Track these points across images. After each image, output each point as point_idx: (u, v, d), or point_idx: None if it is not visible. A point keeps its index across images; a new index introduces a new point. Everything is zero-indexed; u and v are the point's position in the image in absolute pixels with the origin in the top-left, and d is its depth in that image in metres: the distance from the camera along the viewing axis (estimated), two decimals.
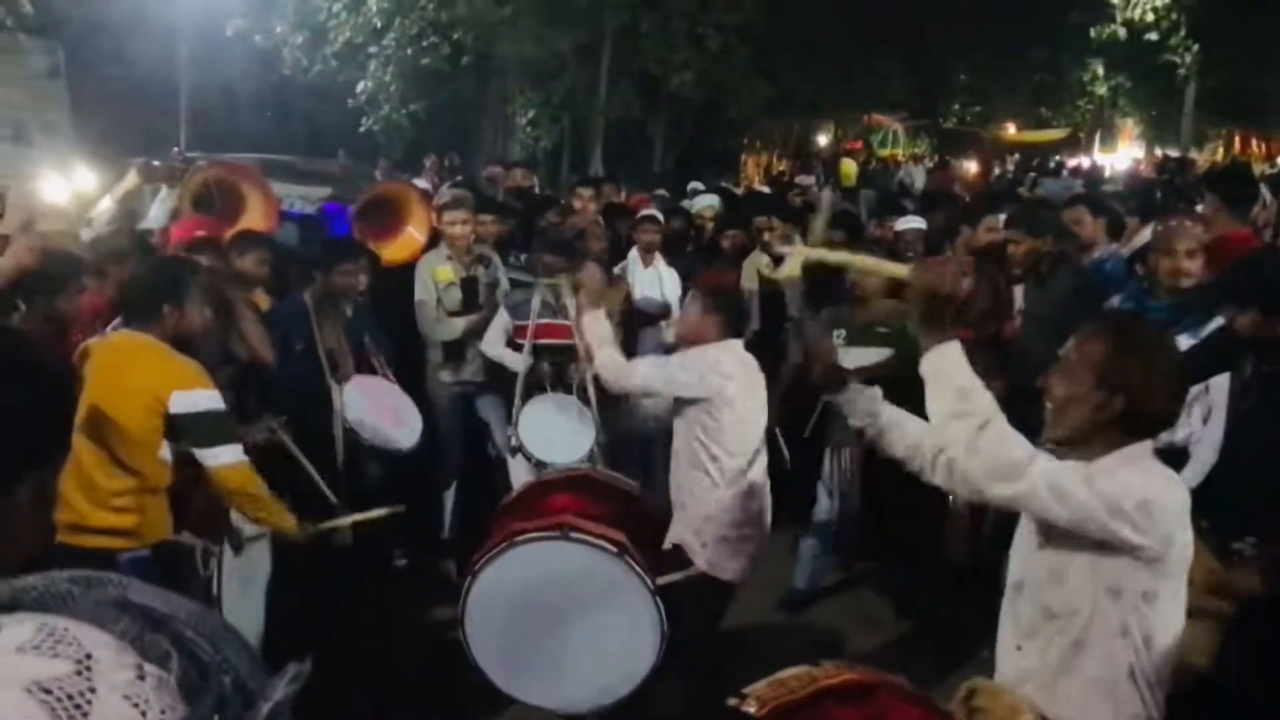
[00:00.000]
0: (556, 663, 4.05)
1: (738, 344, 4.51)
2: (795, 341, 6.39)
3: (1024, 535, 2.70)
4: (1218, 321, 4.32)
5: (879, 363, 5.36)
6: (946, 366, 2.51)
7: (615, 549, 3.99)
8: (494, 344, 5.96)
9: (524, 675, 4.08)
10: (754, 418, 4.45)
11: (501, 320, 5.96)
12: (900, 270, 2.78)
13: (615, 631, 4.02)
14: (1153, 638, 2.46)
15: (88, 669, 0.67)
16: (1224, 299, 4.20)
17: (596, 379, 5.65)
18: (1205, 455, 4.20)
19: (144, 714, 0.67)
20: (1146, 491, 2.38)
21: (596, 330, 4.55)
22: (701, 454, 4.34)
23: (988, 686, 2.63)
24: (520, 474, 5.52)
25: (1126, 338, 2.54)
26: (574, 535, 4.01)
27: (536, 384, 5.76)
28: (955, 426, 2.48)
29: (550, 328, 5.80)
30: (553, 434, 5.51)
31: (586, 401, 5.63)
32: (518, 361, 5.74)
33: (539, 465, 5.42)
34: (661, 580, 4.14)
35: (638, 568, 4.00)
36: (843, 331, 5.66)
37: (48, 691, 0.65)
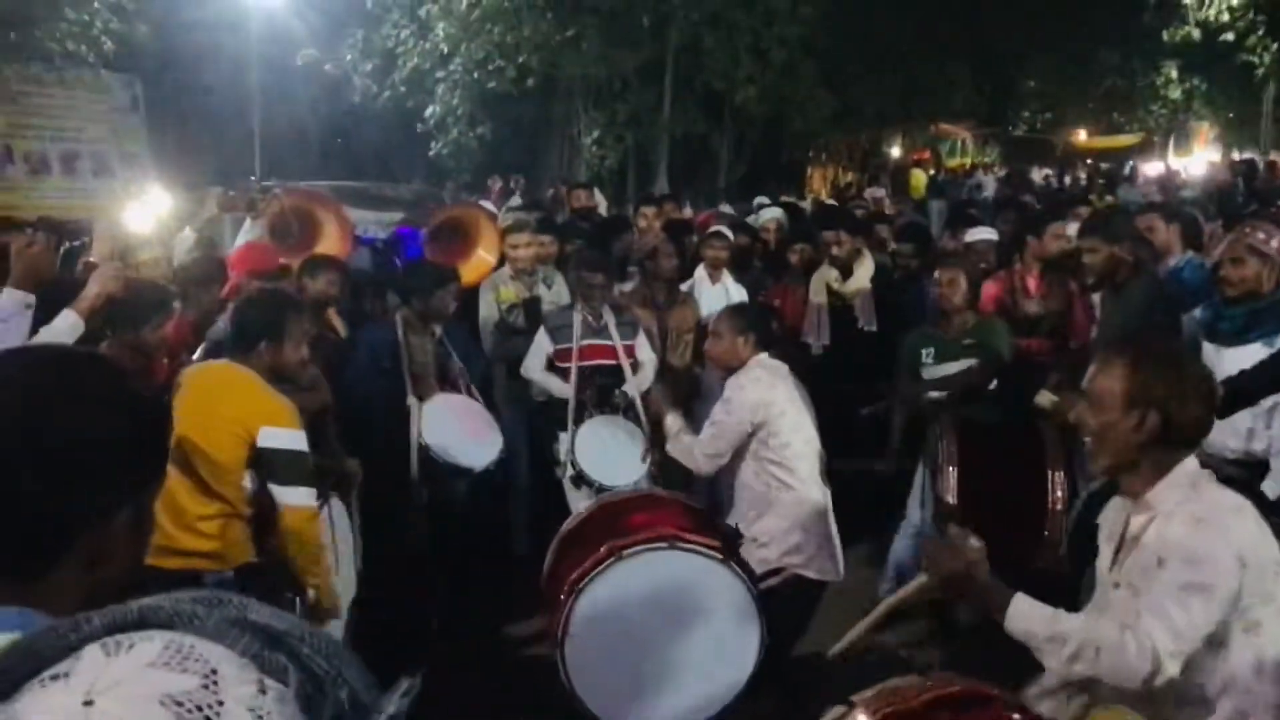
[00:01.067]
0: (659, 679, 3.96)
1: (763, 356, 4.63)
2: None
3: (1101, 566, 2.65)
4: None
5: (962, 372, 5.34)
6: (1029, 624, 2.45)
7: (720, 556, 3.97)
8: (534, 369, 5.93)
9: (624, 697, 3.94)
10: (805, 419, 4.59)
11: (542, 343, 5.93)
12: (919, 584, 2.69)
13: (719, 640, 3.98)
14: (1263, 663, 2.39)
15: (214, 683, 0.71)
16: None
17: (643, 396, 5.72)
18: None
19: None
20: (1233, 552, 2.31)
21: (676, 446, 4.70)
22: (771, 468, 4.50)
23: (1105, 707, 2.55)
24: (577, 500, 5.55)
25: (1144, 355, 2.52)
26: (681, 544, 3.97)
27: (581, 405, 5.75)
28: (1078, 666, 2.40)
29: (593, 349, 5.82)
30: (609, 457, 5.53)
31: (635, 420, 5.65)
32: (558, 387, 5.77)
33: (600, 490, 5.44)
34: (763, 585, 4.18)
35: (742, 573, 3.99)
36: (931, 350, 5.59)
37: (179, 704, 0.69)
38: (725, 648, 3.98)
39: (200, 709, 0.69)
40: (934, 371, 5.52)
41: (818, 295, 6.95)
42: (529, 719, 4.64)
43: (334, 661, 0.79)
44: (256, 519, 3.87)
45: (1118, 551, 2.57)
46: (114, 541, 1.15)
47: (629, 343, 5.90)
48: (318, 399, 4.68)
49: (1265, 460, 4.30)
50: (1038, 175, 25.65)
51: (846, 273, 6.95)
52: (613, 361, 5.80)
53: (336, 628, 4.16)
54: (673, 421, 4.73)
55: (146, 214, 4.93)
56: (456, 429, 5.31)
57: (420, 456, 5.28)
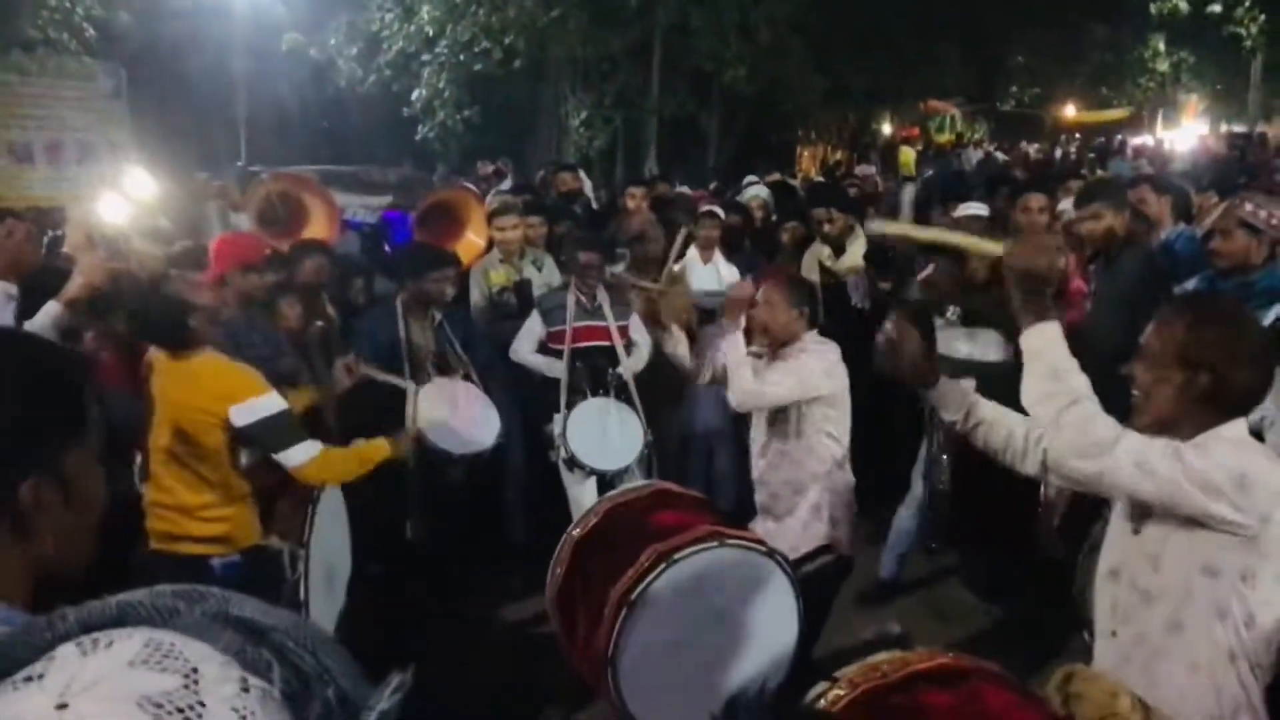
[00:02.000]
0: (709, 684, 3.73)
1: (814, 335, 4.58)
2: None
3: (1117, 522, 2.65)
4: None
5: (996, 363, 5.17)
6: (1043, 347, 2.50)
7: (764, 548, 3.85)
8: (524, 351, 5.88)
9: (675, 704, 3.68)
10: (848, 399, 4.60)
11: (534, 325, 5.89)
12: (994, 248, 2.72)
13: (764, 634, 3.85)
14: (1254, 619, 2.38)
15: (195, 682, 0.69)
16: None
17: (636, 378, 5.66)
18: (1277, 439, 4.08)
19: None
20: (1242, 466, 2.32)
21: (737, 354, 4.52)
22: (827, 442, 4.51)
23: (1084, 672, 2.56)
24: (572, 483, 5.53)
25: (1204, 314, 2.50)
26: (729, 541, 3.79)
27: (573, 388, 5.71)
28: (1045, 407, 2.45)
29: (588, 330, 5.77)
30: (601, 440, 5.49)
31: (628, 403, 5.61)
32: (548, 366, 5.72)
33: (593, 474, 5.40)
34: (810, 566, 4.20)
35: (785, 563, 3.89)
36: (957, 310, 5.47)
37: (158, 706, 0.67)
38: (769, 642, 3.85)
39: (181, 710, 0.67)
40: (955, 334, 5.34)
41: (810, 273, 6.91)
42: (528, 706, 4.63)
43: (320, 657, 0.76)
44: (262, 494, 3.86)
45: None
46: (36, 512, 1.11)
47: (623, 323, 5.87)
48: (307, 396, 4.65)
49: (1259, 432, 4.28)
50: (1031, 150, 25.64)
51: (839, 251, 6.91)
52: (606, 343, 5.76)
53: (329, 617, 4.14)
54: (736, 336, 4.56)
55: (121, 202, 4.84)
56: (452, 415, 5.27)
57: (415, 443, 5.24)
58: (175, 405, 3.71)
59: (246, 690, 0.71)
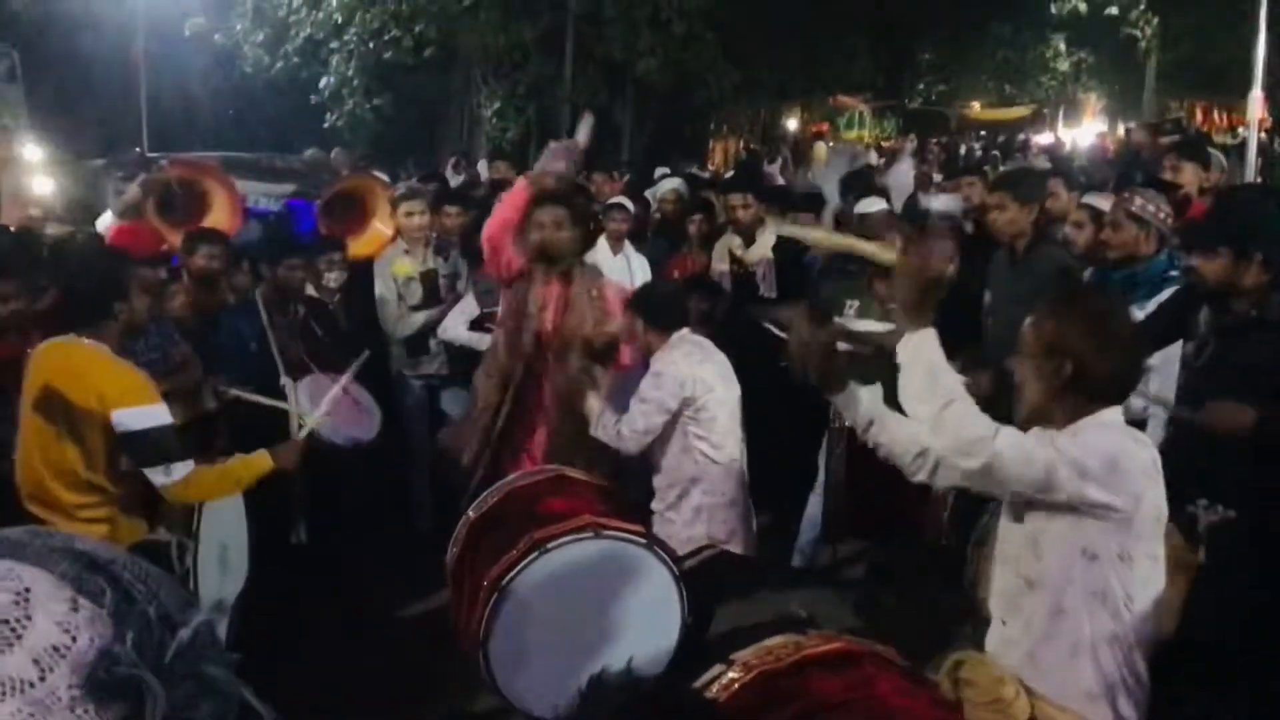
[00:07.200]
0: (583, 669, 3.79)
1: (683, 333, 4.59)
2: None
3: (1004, 512, 2.72)
4: (1166, 292, 4.36)
5: (886, 333, 5.27)
6: (921, 348, 2.53)
7: (644, 541, 3.93)
8: (456, 327, 5.82)
9: (548, 689, 3.78)
10: (728, 394, 4.58)
11: (466, 306, 5.84)
12: (882, 253, 2.76)
13: (643, 625, 3.92)
14: (1132, 600, 2.48)
15: (25, 600, 0.78)
16: (1192, 248, 4.04)
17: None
18: (1158, 430, 4.24)
19: (74, 639, 0.77)
20: (1111, 449, 2.41)
21: (603, 429, 4.54)
22: (698, 444, 4.49)
23: (973, 658, 2.65)
24: None
25: (1070, 305, 2.61)
26: (605, 533, 3.88)
27: None
28: (924, 407, 2.50)
29: None
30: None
31: None
32: (480, 341, 5.62)
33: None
34: (688, 564, 4.18)
35: (666, 556, 3.96)
36: (856, 303, 5.56)
37: None
38: (648, 632, 3.93)
39: (7, 621, 0.76)
40: (853, 324, 5.44)
41: (720, 262, 6.97)
42: (437, 699, 4.61)
43: (151, 585, 0.85)
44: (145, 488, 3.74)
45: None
46: None
47: None
48: (189, 379, 4.55)
49: (1144, 420, 4.44)
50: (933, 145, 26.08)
51: (749, 241, 6.98)
52: None
53: (230, 594, 4.07)
54: (593, 403, 4.62)
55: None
56: (334, 406, 5.20)
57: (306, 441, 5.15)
58: (58, 403, 3.52)
59: (76, 610, 0.79)
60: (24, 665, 0.75)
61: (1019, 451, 2.42)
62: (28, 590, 0.78)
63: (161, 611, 0.83)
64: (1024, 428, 2.58)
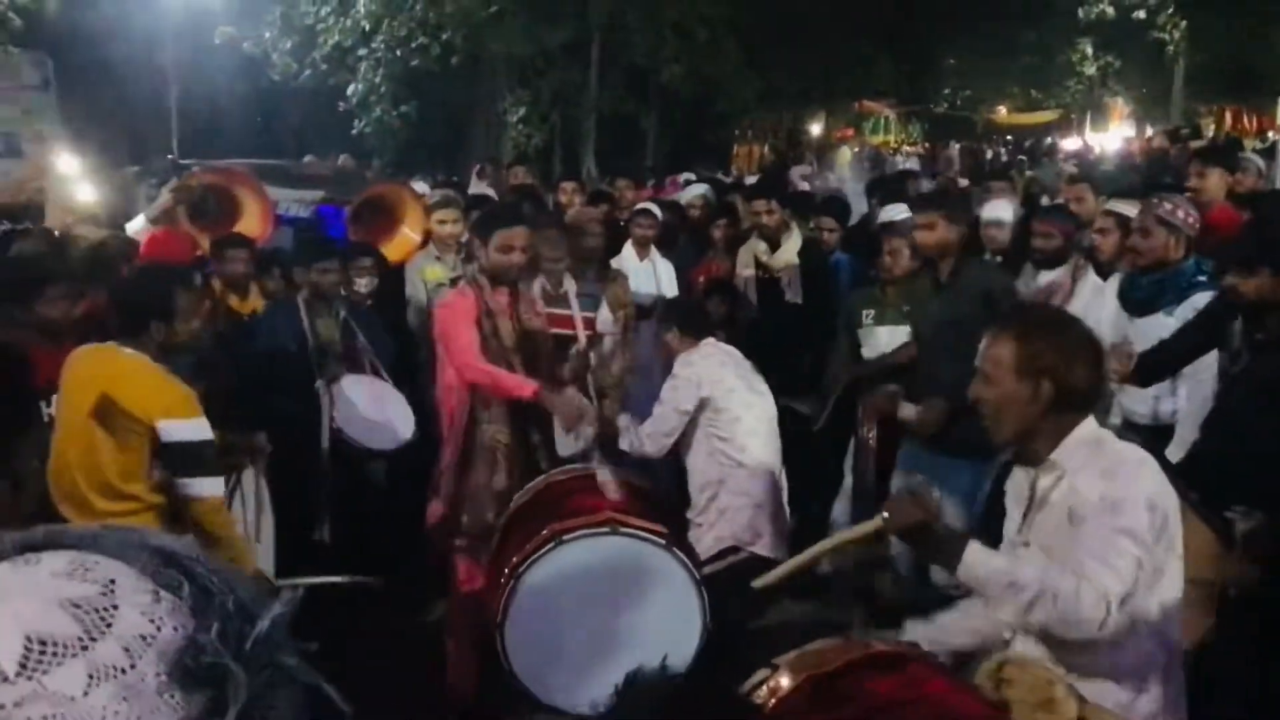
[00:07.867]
0: (599, 663, 3.86)
1: (709, 341, 4.75)
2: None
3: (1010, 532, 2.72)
4: (1202, 297, 4.34)
5: (900, 351, 5.38)
6: (978, 568, 2.45)
7: (663, 541, 3.94)
8: None
9: (563, 680, 3.85)
10: (755, 397, 4.68)
11: None
12: (865, 528, 2.71)
13: (661, 625, 3.92)
14: (1165, 606, 2.48)
15: (112, 590, 0.81)
16: (1230, 265, 3.95)
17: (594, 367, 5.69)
18: (1187, 434, 4.24)
19: (159, 628, 0.80)
20: (1144, 493, 2.39)
21: (627, 438, 4.69)
22: (719, 445, 4.60)
23: (1017, 658, 2.62)
24: None
25: (1029, 324, 2.60)
26: (623, 530, 3.92)
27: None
28: (1035, 616, 2.41)
29: (551, 319, 5.71)
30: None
31: (584, 392, 5.59)
32: None
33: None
34: (716, 565, 4.26)
35: (685, 558, 3.97)
36: (872, 311, 5.63)
37: (77, 606, 0.79)
38: (667, 632, 3.90)
39: (98, 610, 0.79)
40: (872, 333, 5.57)
41: (746, 268, 6.98)
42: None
43: (225, 578, 0.88)
44: (170, 504, 3.76)
45: (1026, 514, 2.64)
46: None
47: (589, 314, 5.74)
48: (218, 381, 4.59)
49: (1172, 425, 4.45)
50: (955, 150, 26.01)
51: (774, 246, 6.99)
52: (570, 331, 5.55)
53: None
54: (622, 421, 4.75)
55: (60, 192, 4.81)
56: (368, 411, 5.24)
57: (332, 440, 5.20)
58: (99, 408, 3.55)
59: (158, 601, 0.82)
60: (115, 653, 0.78)
61: (1115, 581, 2.33)
62: (113, 581, 0.81)
63: (238, 603, 0.86)
64: (1008, 448, 2.56)
